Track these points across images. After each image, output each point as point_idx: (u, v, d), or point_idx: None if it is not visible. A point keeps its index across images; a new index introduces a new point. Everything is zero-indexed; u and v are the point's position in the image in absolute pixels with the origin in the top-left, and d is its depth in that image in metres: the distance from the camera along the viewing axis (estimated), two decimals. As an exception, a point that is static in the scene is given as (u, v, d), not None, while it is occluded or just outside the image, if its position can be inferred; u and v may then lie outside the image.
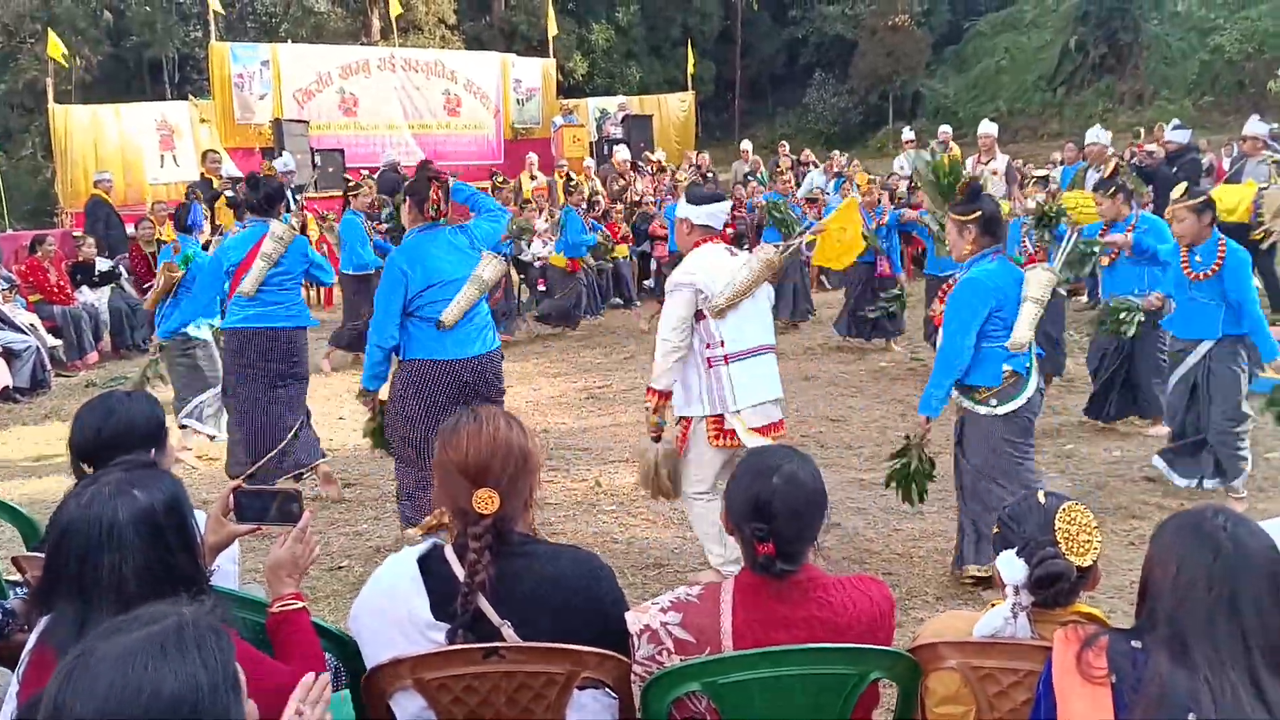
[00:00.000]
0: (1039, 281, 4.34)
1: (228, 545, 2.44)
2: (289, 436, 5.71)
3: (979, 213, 4.37)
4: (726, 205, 4.65)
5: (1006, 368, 4.33)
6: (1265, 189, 8.63)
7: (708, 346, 4.47)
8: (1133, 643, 1.86)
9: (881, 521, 5.44)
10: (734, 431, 4.44)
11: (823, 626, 2.13)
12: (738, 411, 4.44)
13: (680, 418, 4.62)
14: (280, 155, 14.37)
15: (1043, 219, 6.82)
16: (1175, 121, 14.17)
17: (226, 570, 2.78)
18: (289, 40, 24.51)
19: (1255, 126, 9.79)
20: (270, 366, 5.67)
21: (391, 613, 2.14)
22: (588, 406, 8.35)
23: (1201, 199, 5.56)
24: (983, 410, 4.40)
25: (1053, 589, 2.05)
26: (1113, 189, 6.77)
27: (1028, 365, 4.37)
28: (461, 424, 2.19)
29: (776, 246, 4.74)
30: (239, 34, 26.67)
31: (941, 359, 4.41)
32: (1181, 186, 5.64)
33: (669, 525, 5.52)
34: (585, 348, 11.04)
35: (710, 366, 4.46)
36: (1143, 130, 17.37)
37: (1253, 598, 1.78)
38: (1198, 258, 5.50)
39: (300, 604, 2.25)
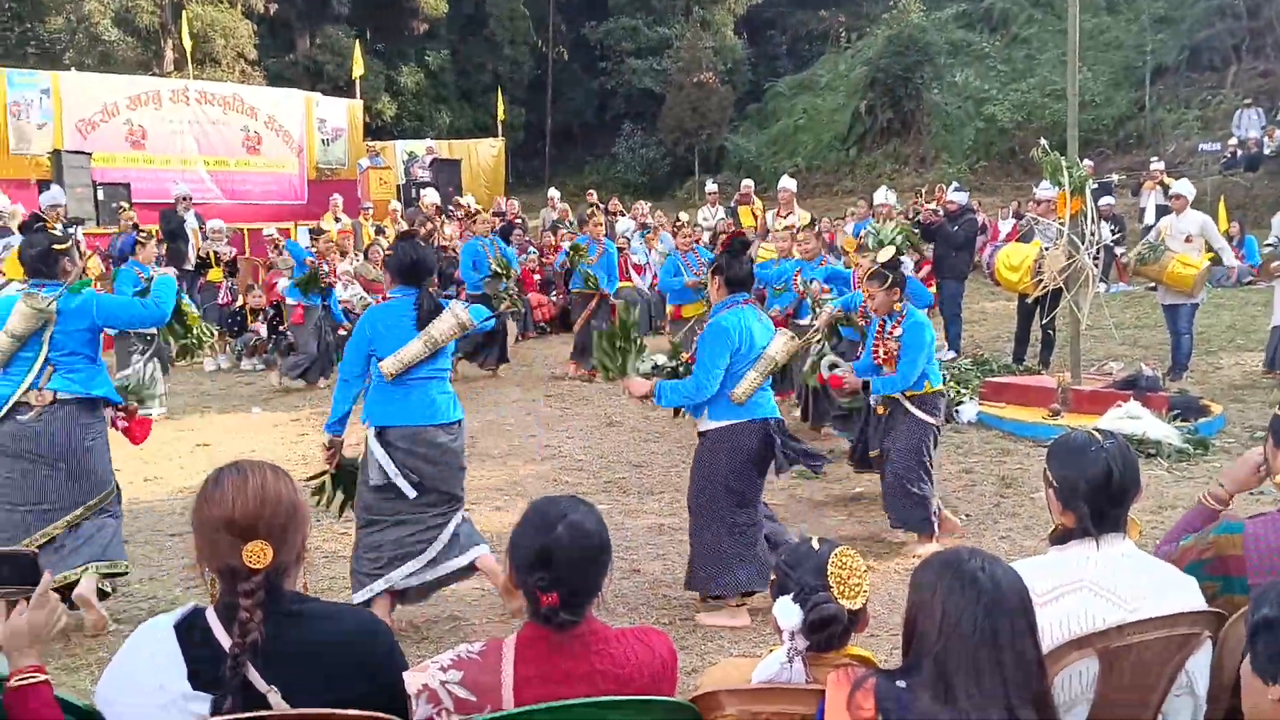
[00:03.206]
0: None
1: (-43, 614, 2.20)
2: None
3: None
4: None
5: None
6: (1048, 250, 9.21)
7: None
8: (899, 683, 1.92)
9: (680, 567, 5.48)
10: None
11: (605, 679, 2.11)
12: None
13: None
14: (50, 189, 13.46)
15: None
16: (955, 184, 15.18)
17: (-38, 641, 2.52)
18: (73, 68, 23.10)
19: (1045, 191, 10.36)
20: None
21: (144, 685, 1.97)
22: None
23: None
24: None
25: (825, 632, 2.10)
26: (889, 281, 5.80)
27: None
28: (225, 476, 2.07)
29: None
30: (18, 59, 24.89)
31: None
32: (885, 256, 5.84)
33: (478, 576, 5.39)
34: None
35: None
36: (923, 190, 18.51)
37: (1010, 635, 1.88)
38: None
39: (42, 676, 2.05)
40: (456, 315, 4.71)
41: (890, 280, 5.73)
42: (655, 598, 5.07)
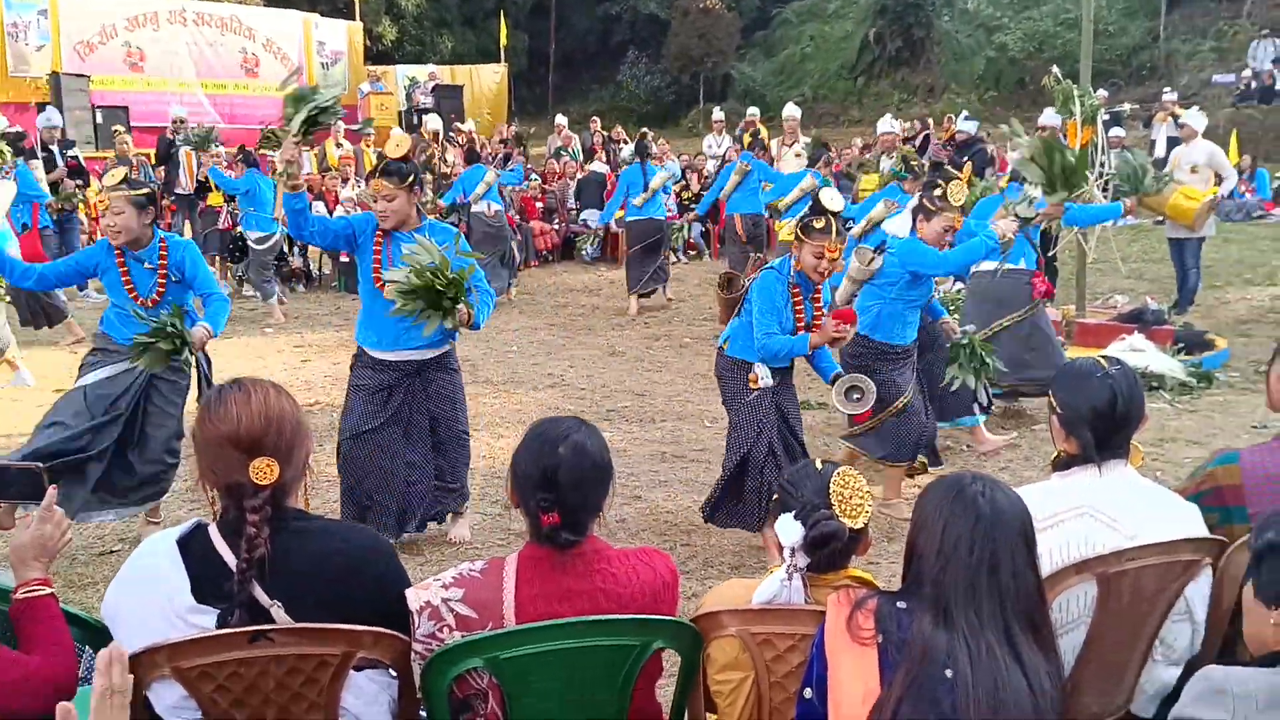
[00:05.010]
0: None
1: (-37, 528, 2.22)
2: None
3: None
4: None
5: None
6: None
7: None
8: (899, 604, 1.93)
9: (681, 494, 5.53)
10: None
11: (606, 598, 2.12)
12: None
13: None
14: (45, 110, 13.29)
15: None
16: (965, 113, 14.96)
17: (-31, 556, 2.54)
18: (69, -13, 22.66)
19: (1049, 118, 10.18)
20: None
21: (148, 597, 1.99)
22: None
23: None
24: None
25: (826, 549, 2.10)
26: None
27: None
28: (227, 394, 2.07)
29: None
30: (12, -22, 24.43)
31: None
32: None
33: (478, 501, 5.42)
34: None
35: None
36: (932, 121, 18.26)
37: (1009, 559, 1.88)
38: None
39: (47, 590, 2.07)
40: None
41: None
42: (657, 524, 5.10)
